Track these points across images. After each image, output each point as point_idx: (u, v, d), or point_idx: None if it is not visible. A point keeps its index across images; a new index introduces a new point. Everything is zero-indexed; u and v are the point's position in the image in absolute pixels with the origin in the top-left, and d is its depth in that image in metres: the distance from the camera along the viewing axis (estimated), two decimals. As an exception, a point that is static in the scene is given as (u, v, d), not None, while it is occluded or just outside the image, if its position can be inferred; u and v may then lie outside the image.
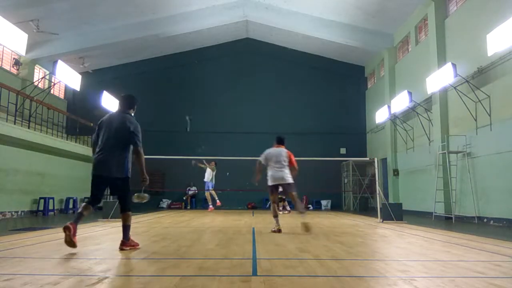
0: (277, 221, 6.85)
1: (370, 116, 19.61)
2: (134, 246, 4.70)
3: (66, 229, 4.30)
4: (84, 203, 4.71)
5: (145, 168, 4.73)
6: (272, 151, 7.08)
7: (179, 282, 2.98)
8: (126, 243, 4.64)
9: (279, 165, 6.87)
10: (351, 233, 7.02)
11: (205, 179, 14.35)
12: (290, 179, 6.89)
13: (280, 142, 7.23)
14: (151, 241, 5.54)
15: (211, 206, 14.59)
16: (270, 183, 6.94)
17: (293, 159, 7.00)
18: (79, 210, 4.64)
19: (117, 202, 5.34)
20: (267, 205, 17.86)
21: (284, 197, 14.18)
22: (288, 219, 10.80)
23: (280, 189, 7.09)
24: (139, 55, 20.13)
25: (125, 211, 4.72)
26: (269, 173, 6.96)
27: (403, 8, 14.74)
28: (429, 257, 4.40)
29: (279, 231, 6.71)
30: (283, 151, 7.04)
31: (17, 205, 11.59)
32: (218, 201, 14.36)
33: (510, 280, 3.24)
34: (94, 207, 4.77)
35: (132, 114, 4.97)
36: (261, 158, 7.13)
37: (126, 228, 4.65)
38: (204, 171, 14.54)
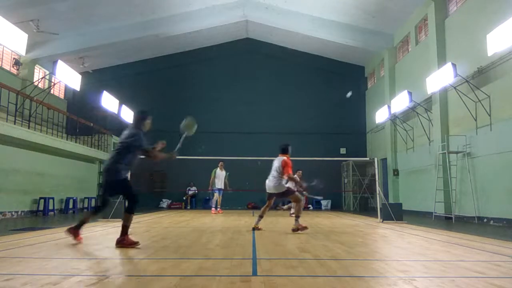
0: (258, 220, 7.31)
1: (370, 116, 19.61)
2: (130, 244, 4.79)
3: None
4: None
5: (163, 156, 5.48)
6: (275, 159, 7.27)
7: (179, 282, 2.98)
8: (121, 240, 4.82)
9: (271, 174, 7.12)
10: (351, 233, 7.02)
11: (222, 184, 13.60)
12: (275, 189, 7.01)
13: (281, 151, 7.29)
14: (151, 241, 5.54)
15: (215, 209, 13.94)
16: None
17: (287, 168, 6.92)
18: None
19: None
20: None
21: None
22: (289, 219, 10.80)
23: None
24: (139, 55, 20.12)
25: (127, 211, 5.08)
26: None
27: (403, 8, 14.73)
28: (429, 257, 4.40)
29: (257, 228, 7.14)
30: (278, 160, 7.12)
31: (17, 205, 11.58)
32: (219, 209, 13.95)
33: (510, 280, 3.24)
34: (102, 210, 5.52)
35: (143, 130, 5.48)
36: None
37: (123, 228, 4.91)
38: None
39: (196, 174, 18.18)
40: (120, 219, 9.42)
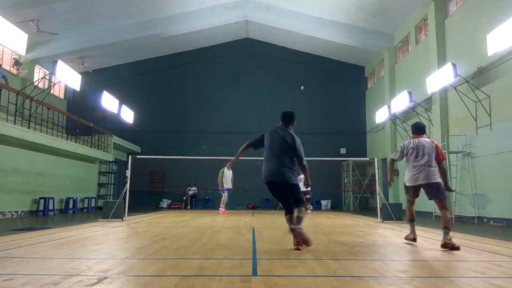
0: None
1: (370, 116, 19.61)
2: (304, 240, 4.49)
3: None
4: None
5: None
6: None
7: (179, 282, 2.98)
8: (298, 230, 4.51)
9: None
10: (351, 233, 7.02)
11: (230, 184, 13.47)
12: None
13: None
14: (151, 241, 5.54)
15: (224, 209, 13.77)
16: None
17: None
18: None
19: None
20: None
21: (308, 197, 15.57)
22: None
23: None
24: (139, 55, 20.13)
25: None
26: None
27: (403, 8, 14.74)
28: (429, 257, 4.40)
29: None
30: None
31: (17, 205, 11.58)
32: (225, 209, 13.76)
33: (510, 280, 3.23)
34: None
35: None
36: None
37: (299, 219, 4.61)
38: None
39: (196, 174, 18.22)
40: (120, 219, 9.47)
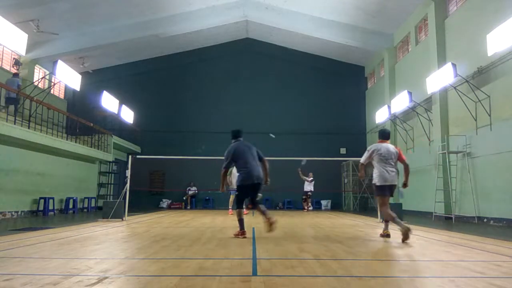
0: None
1: (370, 116, 19.61)
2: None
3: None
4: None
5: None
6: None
7: (179, 282, 2.98)
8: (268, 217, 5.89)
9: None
10: (351, 233, 7.02)
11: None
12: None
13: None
14: (151, 241, 5.54)
15: (232, 209, 13.21)
16: None
17: None
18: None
19: None
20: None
21: (309, 195, 16.71)
22: (289, 219, 10.81)
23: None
24: (139, 55, 20.13)
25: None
26: None
27: (403, 8, 14.74)
28: (429, 257, 4.40)
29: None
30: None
31: (17, 205, 11.58)
32: (232, 210, 13.27)
33: (510, 280, 3.24)
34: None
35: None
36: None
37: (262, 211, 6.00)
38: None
39: (196, 174, 18.21)
40: (120, 219, 9.46)
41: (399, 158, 6.25)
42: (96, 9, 14.96)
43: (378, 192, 6.25)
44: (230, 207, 13.28)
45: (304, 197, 16.97)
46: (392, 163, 6.17)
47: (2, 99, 11.29)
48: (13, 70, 15.02)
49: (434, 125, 12.97)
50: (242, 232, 5.98)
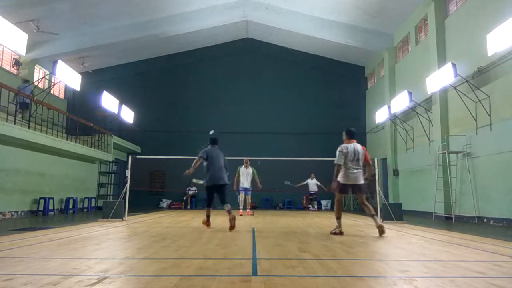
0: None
1: (370, 116, 19.61)
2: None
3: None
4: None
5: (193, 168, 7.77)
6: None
7: (179, 282, 2.98)
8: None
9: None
10: (351, 233, 7.02)
11: (249, 183, 12.54)
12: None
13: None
14: (151, 241, 5.54)
15: (243, 210, 12.84)
16: None
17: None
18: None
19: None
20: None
21: (315, 196, 17.52)
22: (289, 219, 10.82)
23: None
24: (139, 55, 20.13)
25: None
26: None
27: (403, 8, 14.73)
28: (429, 257, 4.40)
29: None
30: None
31: (17, 205, 11.57)
32: (248, 210, 12.93)
33: (510, 280, 3.23)
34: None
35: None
36: None
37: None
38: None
39: (196, 174, 18.16)
40: (120, 219, 9.46)
41: (364, 158, 6.50)
42: (96, 9, 14.96)
43: (338, 189, 6.56)
44: (241, 207, 12.68)
45: (310, 197, 17.74)
46: (358, 163, 6.43)
47: (4, 102, 11.29)
48: (13, 70, 15.03)
49: (434, 125, 12.97)
50: (208, 224, 7.67)
